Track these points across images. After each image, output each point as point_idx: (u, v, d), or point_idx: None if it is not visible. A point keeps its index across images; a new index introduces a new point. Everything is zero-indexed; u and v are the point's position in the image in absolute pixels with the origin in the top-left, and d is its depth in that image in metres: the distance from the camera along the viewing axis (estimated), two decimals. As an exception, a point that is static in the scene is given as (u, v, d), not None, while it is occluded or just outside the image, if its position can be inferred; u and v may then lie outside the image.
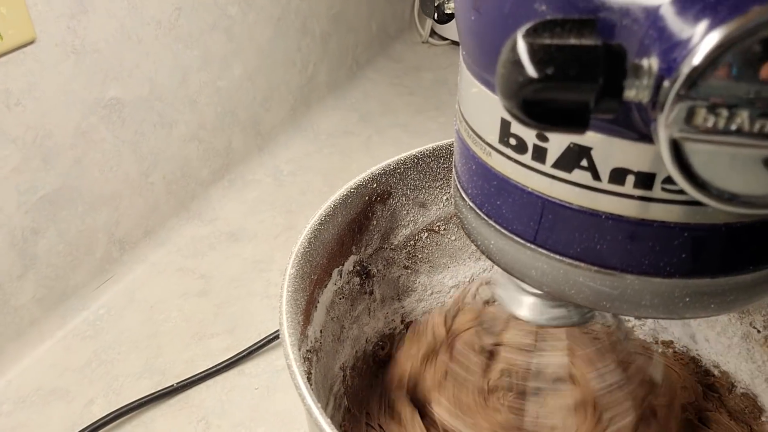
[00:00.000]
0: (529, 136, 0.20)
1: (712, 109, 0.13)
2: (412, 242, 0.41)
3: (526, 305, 0.28)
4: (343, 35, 0.96)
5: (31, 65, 0.50)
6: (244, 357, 0.56)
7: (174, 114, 0.67)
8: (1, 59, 0.48)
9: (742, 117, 0.13)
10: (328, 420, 0.22)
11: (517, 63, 0.14)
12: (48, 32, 0.51)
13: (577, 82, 0.14)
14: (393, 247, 0.40)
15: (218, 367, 0.55)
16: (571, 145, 0.19)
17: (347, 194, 0.35)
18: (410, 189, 0.39)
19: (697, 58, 0.13)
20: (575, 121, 0.14)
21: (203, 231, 0.72)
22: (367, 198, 0.37)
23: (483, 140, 0.22)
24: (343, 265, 0.36)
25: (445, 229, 0.41)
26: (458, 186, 0.25)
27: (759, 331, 0.38)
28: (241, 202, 0.76)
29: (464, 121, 0.23)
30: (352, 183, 0.35)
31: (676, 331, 0.42)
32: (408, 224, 0.40)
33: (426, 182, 0.39)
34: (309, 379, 0.31)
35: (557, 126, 0.15)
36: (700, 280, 0.20)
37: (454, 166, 0.25)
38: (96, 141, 0.58)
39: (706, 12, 0.13)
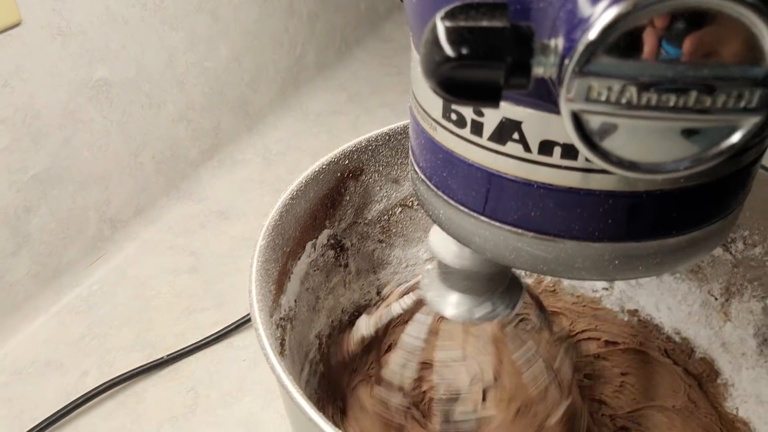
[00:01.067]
0: (467, 111, 0.21)
1: (605, 83, 0.15)
2: (386, 217, 0.43)
3: (452, 304, 0.30)
4: (331, 15, 0.97)
5: (18, 47, 0.52)
6: (231, 330, 0.58)
7: (162, 95, 0.68)
8: (-12, 42, 0.49)
9: (631, 91, 0.15)
10: (282, 364, 0.24)
11: (435, 43, 0.16)
12: (33, 15, 0.52)
13: (487, 60, 0.15)
14: (367, 221, 0.42)
15: (207, 340, 0.57)
16: (504, 120, 0.20)
17: (319, 170, 0.36)
18: (382, 165, 0.41)
19: (591, 35, 0.14)
20: (488, 96, 0.16)
21: (193, 209, 0.73)
22: (339, 174, 0.38)
23: (429, 116, 0.23)
24: (316, 238, 0.38)
25: (418, 204, 0.43)
26: (412, 160, 0.26)
27: (716, 299, 0.40)
28: (230, 181, 0.78)
29: (414, 98, 0.25)
30: (323, 159, 0.37)
31: (641, 300, 0.44)
32: (381, 199, 0.42)
33: (398, 159, 0.41)
34: (282, 344, 0.33)
35: (473, 100, 0.16)
36: (628, 244, 0.22)
37: (410, 141, 0.27)
38: (84, 121, 0.60)
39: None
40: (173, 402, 0.53)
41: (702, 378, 0.41)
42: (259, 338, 0.26)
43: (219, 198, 0.75)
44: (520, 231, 0.22)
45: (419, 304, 0.34)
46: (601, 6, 0.15)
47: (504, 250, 0.23)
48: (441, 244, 0.30)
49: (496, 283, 0.32)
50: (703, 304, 0.40)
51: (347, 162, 0.38)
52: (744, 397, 0.38)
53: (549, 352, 0.37)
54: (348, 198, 0.40)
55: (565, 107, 0.15)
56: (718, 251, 0.39)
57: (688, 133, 0.15)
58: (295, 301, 0.36)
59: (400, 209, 0.43)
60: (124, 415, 0.52)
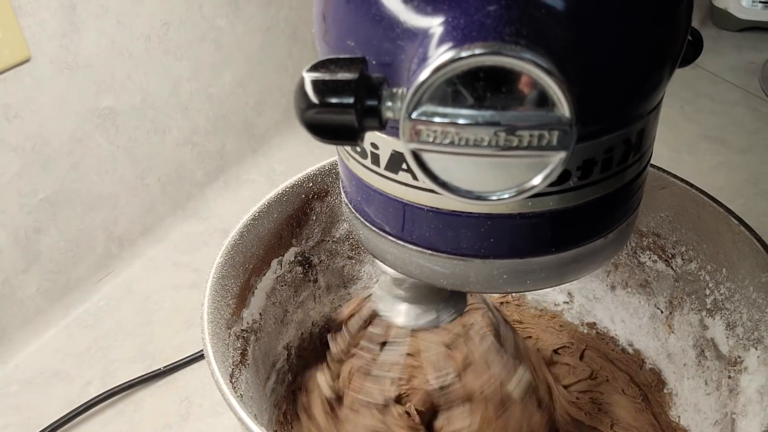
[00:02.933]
0: (367, 144, 0.24)
1: (430, 126, 0.17)
2: (354, 235, 0.46)
3: (402, 313, 0.33)
4: (336, 40, 1.01)
5: (28, 81, 0.56)
6: (226, 342, 0.62)
7: (167, 120, 0.72)
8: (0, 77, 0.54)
9: (451, 132, 0.17)
10: (218, 369, 0.27)
11: (302, 92, 0.19)
12: (42, 51, 0.57)
13: (340, 106, 0.18)
14: (335, 239, 0.45)
15: (202, 353, 0.61)
16: (393, 152, 0.23)
17: (282, 192, 0.40)
18: (347, 187, 0.43)
19: (415, 84, 0.17)
20: (347, 136, 0.19)
21: (198, 228, 0.77)
22: (303, 196, 0.41)
23: (343, 147, 0.26)
24: (282, 255, 0.41)
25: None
26: (341, 186, 0.29)
27: (662, 312, 0.41)
28: (235, 201, 0.82)
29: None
30: (288, 182, 0.40)
31: (598, 313, 0.46)
32: (349, 218, 0.45)
33: (363, 180, 0.44)
34: (244, 354, 0.36)
35: (335, 140, 0.19)
36: (512, 261, 0.24)
37: (339, 170, 0.30)
38: (91, 147, 0.64)
39: (437, 44, 0.18)
40: (168, 410, 0.56)
41: (650, 388, 0.42)
42: (205, 347, 0.29)
43: (223, 217, 0.79)
44: (420, 249, 0.25)
45: (372, 316, 0.37)
46: (429, 60, 0.18)
47: (410, 266, 0.26)
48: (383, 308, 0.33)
49: (439, 293, 0.34)
50: (651, 317, 0.42)
51: (311, 184, 0.41)
52: (685, 405, 0.39)
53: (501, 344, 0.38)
54: (314, 218, 0.43)
55: (404, 146, 0.18)
56: (662, 266, 0.41)
57: (509, 167, 0.18)
58: (260, 314, 0.39)
59: (367, 228, 0.46)
60: (122, 423, 0.56)
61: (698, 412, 0.38)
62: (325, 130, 0.19)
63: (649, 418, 0.41)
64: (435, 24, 0.19)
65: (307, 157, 0.91)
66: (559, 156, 0.17)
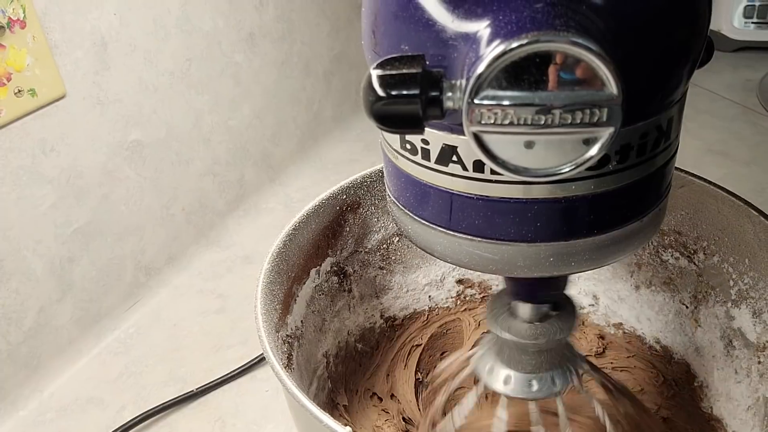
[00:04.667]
0: (417, 141, 0.26)
1: (491, 109, 0.20)
2: (384, 246, 0.47)
3: (502, 380, 0.32)
4: (346, 73, 1.04)
5: (63, 116, 0.59)
6: (255, 364, 0.63)
7: (189, 152, 0.75)
8: (37, 113, 0.56)
9: (510, 113, 0.19)
10: (282, 366, 0.29)
11: (370, 87, 0.21)
12: (76, 88, 0.60)
13: (406, 98, 0.20)
14: (367, 250, 0.47)
15: (233, 374, 0.62)
16: (444, 146, 0.25)
17: (319, 204, 0.42)
18: (378, 199, 0.46)
19: (478, 71, 0.19)
20: (412, 125, 0.21)
21: (221, 256, 0.79)
22: (338, 208, 0.43)
23: (391, 147, 0.28)
24: (320, 265, 0.43)
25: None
26: (386, 186, 0.31)
27: (687, 307, 0.43)
28: (255, 228, 0.84)
29: (381, 135, 0.30)
30: (323, 195, 0.42)
31: (623, 313, 0.48)
32: (379, 230, 0.47)
33: (392, 193, 0.46)
34: (290, 358, 0.38)
35: (401, 129, 0.21)
36: (558, 243, 0.26)
37: (384, 171, 0.32)
38: (121, 179, 0.67)
39: (490, 39, 0.20)
40: (203, 431, 0.57)
41: (681, 381, 0.43)
42: (262, 342, 0.30)
43: (244, 244, 0.81)
44: (470, 237, 0.27)
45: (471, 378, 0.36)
46: (486, 51, 0.20)
47: (460, 255, 0.28)
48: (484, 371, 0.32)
49: (550, 359, 0.33)
50: (677, 313, 0.43)
51: (345, 197, 0.44)
52: (716, 396, 0.41)
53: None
54: (348, 229, 0.45)
55: (467, 129, 0.20)
56: (684, 263, 0.43)
57: (563, 144, 0.20)
58: (302, 321, 0.41)
59: (397, 238, 0.48)
60: (159, 444, 0.56)
61: (730, 400, 0.39)
62: (391, 120, 0.21)
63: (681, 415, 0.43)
64: (485, 24, 0.21)
65: (321, 184, 0.93)
66: (609, 131, 0.20)
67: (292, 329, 0.39)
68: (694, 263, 0.42)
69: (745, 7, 1.03)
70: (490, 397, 0.39)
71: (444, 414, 0.39)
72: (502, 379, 0.34)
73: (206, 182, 0.78)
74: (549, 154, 0.20)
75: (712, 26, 1.07)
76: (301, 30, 0.90)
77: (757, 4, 1.02)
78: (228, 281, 0.75)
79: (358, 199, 0.44)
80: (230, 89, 0.79)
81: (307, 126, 0.96)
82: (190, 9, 0.71)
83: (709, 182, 0.40)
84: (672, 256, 0.44)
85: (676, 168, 0.41)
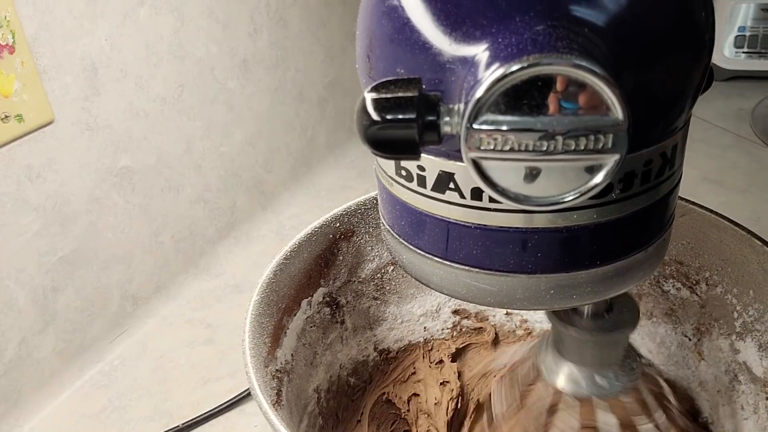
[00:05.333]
0: (413, 167, 0.25)
1: (491, 135, 0.19)
2: (379, 275, 0.46)
3: (565, 376, 0.31)
4: (340, 100, 1.04)
5: (50, 142, 0.58)
6: (244, 397, 0.61)
7: (180, 179, 0.74)
8: (24, 139, 0.55)
9: (511, 139, 0.18)
10: (270, 405, 0.27)
11: (364, 110, 0.20)
12: (64, 113, 0.59)
13: (402, 122, 0.19)
14: (361, 279, 0.45)
15: (220, 408, 0.60)
16: (441, 172, 0.24)
17: (311, 232, 0.40)
18: (372, 227, 0.44)
19: (477, 95, 0.18)
20: (408, 150, 0.20)
21: (210, 285, 0.77)
22: (331, 236, 0.42)
23: (386, 173, 0.27)
24: (312, 296, 0.41)
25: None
26: (380, 214, 0.30)
27: (690, 339, 0.42)
28: (246, 256, 0.82)
29: (376, 161, 0.29)
30: (316, 223, 0.41)
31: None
32: (374, 259, 0.45)
33: (386, 222, 0.45)
34: (279, 394, 0.36)
35: (396, 154, 0.20)
36: (559, 275, 0.25)
37: (378, 198, 0.31)
38: (109, 206, 0.65)
39: (489, 62, 0.19)
40: (189, 468, 0.55)
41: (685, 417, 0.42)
42: (249, 379, 0.29)
43: (235, 273, 0.80)
44: (467, 268, 0.26)
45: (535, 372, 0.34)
46: (485, 74, 0.19)
47: (457, 286, 0.27)
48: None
49: (612, 355, 0.32)
50: (680, 345, 0.42)
51: (338, 224, 0.42)
52: (723, 432, 0.39)
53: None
54: (341, 258, 0.43)
55: (465, 156, 0.19)
56: (686, 293, 0.42)
57: (566, 171, 0.19)
58: (292, 355, 0.39)
59: (392, 268, 0.47)
60: (142, 482, 0.54)
61: (738, 437, 0.38)
62: (387, 146, 0.20)
63: None
64: (484, 47, 0.21)
65: (314, 211, 0.92)
66: (614, 158, 0.19)
67: (281, 363, 0.37)
68: (697, 294, 0.41)
69: (736, 37, 1.04)
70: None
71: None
72: (563, 373, 0.32)
73: (197, 209, 0.77)
74: (551, 182, 0.19)
75: (704, 56, 1.07)
76: (295, 57, 0.89)
77: (747, 34, 1.03)
78: (217, 311, 0.74)
79: (352, 227, 0.43)
80: (223, 115, 0.79)
81: (301, 153, 0.95)
82: (184, 35, 0.70)
83: (711, 211, 0.39)
84: (674, 286, 0.43)
85: (678, 197, 0.41)
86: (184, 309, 0.74)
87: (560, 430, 0.34)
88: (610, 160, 0.19)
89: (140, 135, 0.67)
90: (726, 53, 1.06)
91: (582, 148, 0.18)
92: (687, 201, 0.40)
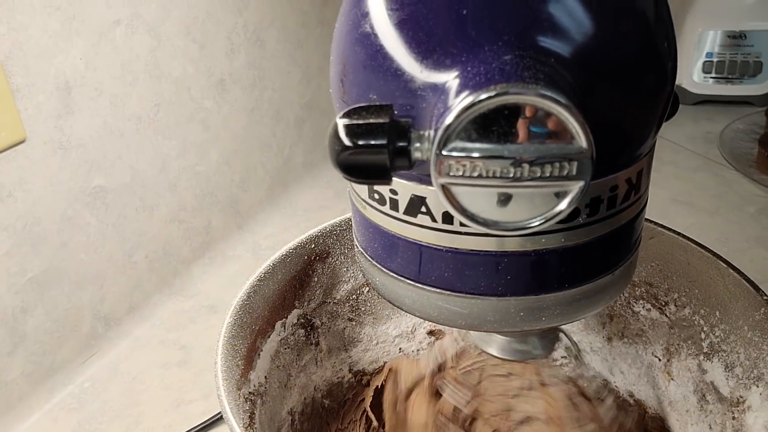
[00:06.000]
0: (385, 191, 0.26)
1: (460, 161, 0.19)
2: (354, 296, 0.46)
3: (496, 345, 0.33)
4: (317, 120, 1.04)
5: (22, 161, 0.57)
6: (218, 420, 0.60)
7: (155, 198, 0.73)
8: (-5, 157, 0.54)
9: (479, 166, 0.19)
10: (243, 429, 0.27)
11: (336, 136, 0.20)
12: (37, 132, 0.58)
13: (373, 148, 0.20)
14: (336, 301, 0.45)
15: (193, 431, 0.59)
16: (413, 196, 0.25)
17: (286, 254, 0.40)
18: (347, 248, 0.45)
19: (446, 121, 0.19)
20: (379, 176, 0.20)
21: (185, 305, 0.76)
22: (306, 257, 0.42)
23: (359, 196, 0.28)
24: (286, 317, 0.41)
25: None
26: (354, 236, 0.31)
27: (659, 359, 0.42)
28: (221, 276, 0.82)
29: (350, 184, 0.29)
30: (291, 244, 0.41)
31: (596, 366, 0.47)
32: (349, 280, 0.45)
33: (361, 243, 0.45)
34: (252, 417, 0.36)
35: (368, 179, 0.20)
36: (528, 298, 0.25)
37: (352, 221, 0.31)
38: (81, 225, 0.64)
39: (458, 90, 0.20)
40: (159, 493, 0.54)
41: (656, 437, 0.43)
42: (221, 403, 0.29)
43: (209, 293, 0.79)
44: (439, 291, 0.26)
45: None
46: (455, 102, 0.19)
47: (429, 309, 0.27)
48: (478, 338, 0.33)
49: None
50: (650, 365, 0.43)
51: (313, 246, 0.42)
52: (692, 451, 0.40)
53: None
54: (316, 279, 0.43)
55: (435, 181, 0.20)
56: (656, 314, 0.43)
57: (532, 197, 0.20)
58: (266, 377, 0.39)
59: (367, 289, 0.47)
60: None
61: (706, 456, 0.38)
62: (358, 171, 0.20)
63: None
64: (454, 75, 0.21)
65: (291, 231, 0.92)
66: (579, 185, 0.19)
67: (255, 386, 0.37)
68: (666, 315, 0.42)
69: (704, 63, 1.07)
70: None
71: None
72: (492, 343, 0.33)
73: (171, 229, 0.77)
74: (519, 208, 0.20)
75: (673, 80, 1.10)
76: (272, 77, 0.90)
77: (715, 60, 1.07)
78: (191, 332, 0.73)
79: (327, 248, 0.43)
80: (199, 134, 0.78)
81: (277, 172, 0.95)
82: (160, 54, 0.70)
83: (679, 234, 0.40)
84: (644, 307, 0.43)
85: (645, 219, 0.42)
86: (158, 330, 0.73)
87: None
88: (575, 187, 0.19)
89: (114, 154, 0.67)
90: (695, 78, 1.09)
91: (548, 174, 0.19)
92: (655, 224, 0.41)
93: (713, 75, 1.08)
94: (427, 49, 0.21)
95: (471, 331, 0.35)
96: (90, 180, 0.65)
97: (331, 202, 0.98)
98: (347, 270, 0.46)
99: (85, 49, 0.61)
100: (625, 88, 0.23)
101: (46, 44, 0.58)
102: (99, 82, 0.63)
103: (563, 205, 0.20)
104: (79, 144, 0.63)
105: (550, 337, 0.34)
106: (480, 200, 0.20)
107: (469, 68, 0.20)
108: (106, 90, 0.64)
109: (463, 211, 0.20)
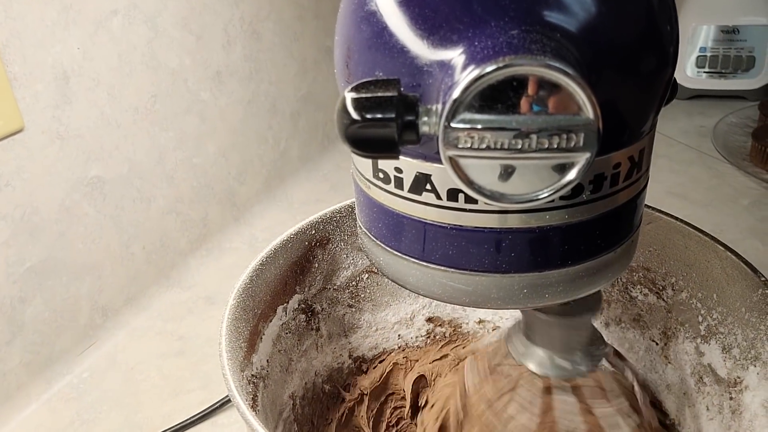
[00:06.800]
0: (390, 169, 0.26)
1: (468, 133, 0.19)
2: (354, 283, 0.46)
3: (533, 357, 0.32)
4: (313, 113, 1.04)
5: (20, 151, 0.57)
6: (216, 409, 0.60)
7: (152, 189, 0.73)
8: (-7, 146, 0.54)
9: (488, 138, 0.19)
10: (248, 407, 0.27)
11: (344, 110, 0.21)
12: (35, 121, 0.58)
13: (381, 121, 0.20)
14: (336, 287, 0.45)
15: (192, 419, 0.59)
16: (418, 174, 0.25)
17: (287, 239, 0.41)
18: (347, 235, 0.45)
19: (454, 95, 0.19)
20: (387, 149, 0.20)
21: (182, 296, 0.77)
22: (307, 243, 0.42)
23: (363, 176, 0.28)
24: (287, 302, 0.41)
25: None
26: (357, 217, 0.31)
27: (657, 343, 0.43)
28: (218, 268, 0.82)
29: (353, 165, 0.29)
30: (292, 230, 0.41)
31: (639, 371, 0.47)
32: (349, 266, 0.46)
33: (361, 229, 0.45)
34: (255, 399, 0.36)
35: (376, 153, 0.21)
36: (532, 274, 0.26)
37: (355, 201, 0.31)
38: (79, 216, 0.64)
39: (465, 64, 0.20)
40: (159, 481, 0.54)
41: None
42: (227, 381, 0.29)
43: (207, 285, 0.79)
44: (443, 268, 0.26)
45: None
46: (462, 76, 0.20)
47: (433, 287, 0.27)
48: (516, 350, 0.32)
49: (576, 339, 0.32)
50: (647, 349, 0.43)
51: (314, 232, 0.43)
52: (689, 433, 0.40)
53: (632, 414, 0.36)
54: (317, 265, 0.43)
55: (443, 154, 0.20)
56: (653, 299, 0.43)
57: (540, 169, 0.20)
58: (268, 361, 0.39)
59: (367, 275, 0.47)
60: (111, 497, 0.53)
61: (703, 437, 0.39)
62: (366, 144, 0.20)
63: None
64: (460, 50, 0.21)
65: (287, 223, 0.91)
66: (585, 156, 0.19)
67: (257, 369, 0.37)
68: (663, 299, 0.42)
69: (698, 57, 1.08)
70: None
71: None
72: (529, 354, 0.33)
73: (169, 220, 0.77)
74: (526, 180, 0.20)
75: (667, 74, 1.11)
76: (268, 70, 0.90)
77: (708, 54, 1.07)
78: (189, 323, 0.73)
79: (327, 234, 0.43)
80: (196, 127, 0.78)
81: (273, 165, 0.95)
82: (157, 46, 0.70)
83: (676, 218, 0.41)
84: (641, 292, 0.44)
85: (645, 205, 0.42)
86: (155, 321, 0.73)
87: (519, 404, 0.35)
88: (582, 158, 0.20)
89: (112, 145, 0.67)
90: (688, 73, 1.09)
91: (555, 146, 0.19)
92: (653, 209, 0.42)
93: (706, 69, 1.09)
94: (433, 26, 0.22)
95: (509, 346, 0.34)
96: (87, 170, 0.64)
97: (326, 195, 0.98)
98: (347, 256, 0.46)
99: (83, 39, 0.61)
100: (629, 66, 0.23)
101: (44, 34, 0.58)
102: (96, 72, 0.63)
103: (571, 175, 0.20)
104: (77, 134, 0.63)
105: (596, 352, 0.32)
106: (487, 173, 0.20)
107: (476, 43, 0.21)
108: (104, 80, 0.64)
109: (471, 184, 0.20)
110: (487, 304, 0.27)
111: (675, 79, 0.30)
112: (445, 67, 0.21)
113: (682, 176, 0.95)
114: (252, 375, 0.36)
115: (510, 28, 0.20)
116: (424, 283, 0.27)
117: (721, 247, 0.38)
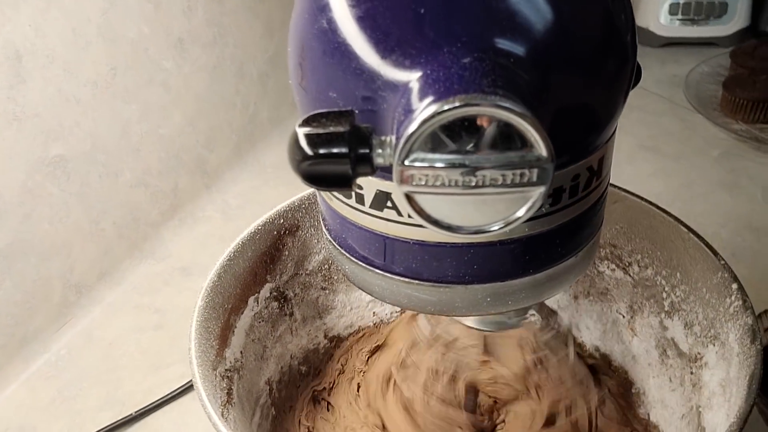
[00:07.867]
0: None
1: (422, 171, 0.19)
2: (326, 266, 0.47)
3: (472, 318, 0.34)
4: (282, 74, 1.02)
5: (-25, 135, 0.55)
6: (197, 383, 0.61)
7: (118, 164, 0.72)
8: (-53, 133, 0.52)
9: (442, 175, 0.19)
10: (219, 416, 0.28)
11: (296, 145, 0.20)
12: (-11, 104, 0.56)
13: (335, 157, 0.20)
14: (308, 272, 0.46)
15: (174, 394, 0.60)
16: (378, 191, 0.25)
17: (255, 231, 0.40)
18: (317, 221, 0.45)
19: (407, 133, 0.19)
20: (342, 184, 0.20)
21: (156, 268, 0.76)
22: (275, 233, 0.42)
23: (325, 189, 0.27)
24: (258, 292, 0.42)
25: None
26: (322, 224, 0.31)
27: (623, 317, 0.44)
28: (192, 238, 0.81)
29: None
30: (259, 221, 0.41)
31: (564, 320, 0.49)
32: (320, 251, 0.46)
33: (331, 213, 0.45)
34: (230, 393, 0.37)
35: (330, 187, 0.20)
36: (494, 284, 0.26)
37: (320, 208, 0.31)
38: (43, 196, 0.63)
39: (419, 95, 0.19)
40: (143, 457, 0.55)
41: (619, 388, 0.45)
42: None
43: (181, 255, 0.78)
44: (407, 280, 0.27)
45: None
46: (416, 112, 0.19)
47: (398, 296, 0.27)
48: None
49: None
50: (614, 322, 0.45)
51: (282, 221, 0.42)
52: (653, 402, 0.42)
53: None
54: (287, 253, 0.43)
55: (397, 190, 0.20)
56: (620, 274, 0.44)
57: (494, 203, 0.20)
58: (241, 352, 0.39)
59: (338, 258, 0.47)
60: (97, 474, 0.54)
61: (665, 407, 0.40)
62: (320, 180, 0.20)
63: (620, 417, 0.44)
64: (416, 77, 0.21)
65: (261, 189, 0.91)
66: (539, 190, 0.19)
67: (230, 362, 0.37)
68: (629, 275, 0.43)
69: (671, 5, 1.06)
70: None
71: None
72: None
73: (138, 193, 0.75)
74: (481, 212, 0.20)
75: (640, 22, 1.09)
76: (232, 33, 0.87)
77: (681, 1, 1.06)
78: (166, 295, 0.73)
79: (296, 221, 0.43)
80: (160, 97, 0.76)
81: (243, 130, 0.93)
82: (113, 16, 0.67)
83: (642, 198, 0.41)
84: (608, 267, 0.45)
85: (610, 184, 0.42)
86: (131, 295, 0.73)
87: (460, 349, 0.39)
88: (536, 193, 0.19)
89: (72, 122, 0.65)
90: (661, 20, 1.08)
91: (509, 182, 0.19)
92: (620, 189, 0.42)
93: (680, 17, 1.07)
94: (385, 49, 0.21)
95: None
96: (48, 150, 0.63)
97: (300, 156, 0.97)
98: (318, 242, 0.46)
99: (34, 16, 0.58)
100: (586, 77, 0.23)
101: (-9, 12, 0.55)
102: (50, 48, 0.60)
103: (522, 211, 0.20)
104: (34, 113, 0.61)
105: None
106: (443, 206, 0.20)
107: (428, 71, 0.20)
108: (59, 56, 0.62)
109: (427, 218, 0.20)
110: (453, 312, 0.27)
111: (638, 64, 0.29)
112: (400, 92, 0.21)
113: (654, 128, 0.95)
114: (225, 369, 0.37)
115: (462, 55, 0.20)
116: (389, 293, 0.27)
117: (684, 229, 0.38)
